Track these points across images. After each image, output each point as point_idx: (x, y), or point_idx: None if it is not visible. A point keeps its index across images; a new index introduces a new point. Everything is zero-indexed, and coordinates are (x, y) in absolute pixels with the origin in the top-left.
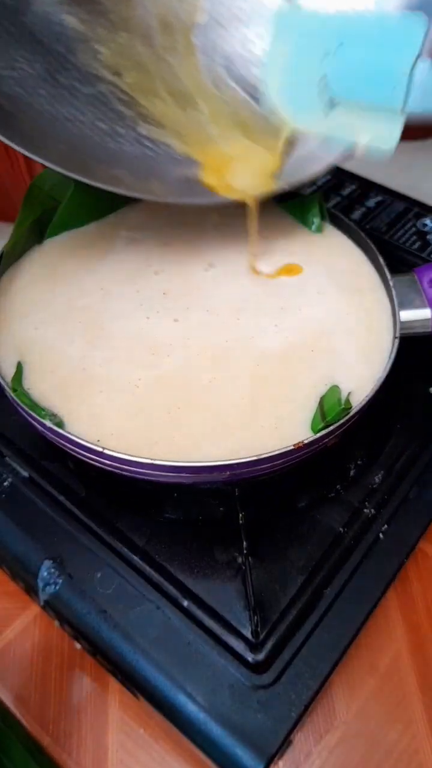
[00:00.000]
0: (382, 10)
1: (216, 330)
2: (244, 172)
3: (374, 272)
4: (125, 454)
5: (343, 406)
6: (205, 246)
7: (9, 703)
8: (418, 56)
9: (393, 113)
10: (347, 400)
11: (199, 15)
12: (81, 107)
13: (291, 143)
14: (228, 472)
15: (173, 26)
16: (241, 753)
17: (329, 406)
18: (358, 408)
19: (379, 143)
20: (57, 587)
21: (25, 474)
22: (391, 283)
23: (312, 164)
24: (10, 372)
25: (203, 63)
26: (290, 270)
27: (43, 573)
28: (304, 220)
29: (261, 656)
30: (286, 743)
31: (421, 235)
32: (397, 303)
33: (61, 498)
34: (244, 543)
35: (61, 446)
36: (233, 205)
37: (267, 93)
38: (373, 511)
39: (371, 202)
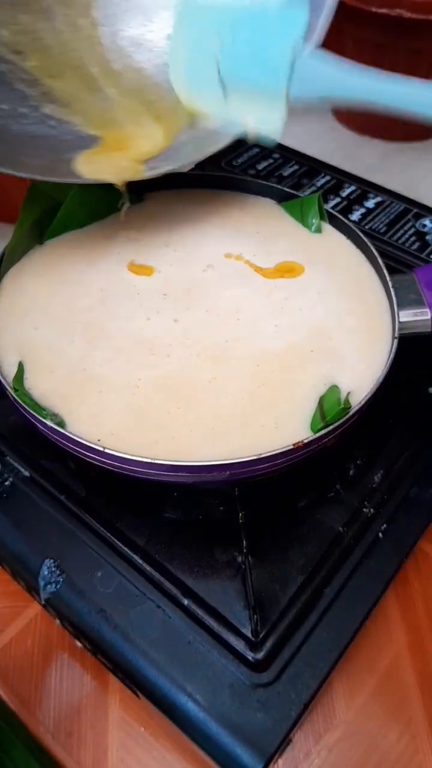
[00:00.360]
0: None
1: (216, 330)
2: (120, 157)
3: (373, 273)
4: (125, 453)
5: (342, 406)
6: (205, 246)
7: (10, 701)
8: (298, 41)
9: (276, 97)
10: (347, 400)
11: None
12: None
13: (191, 125)
14: (228, 472)
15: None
16: (241, 752)
17: (329, 405)
18: (357, 408)
19: (264, 126)
20: (57, 586)
21: (26, 473)
22: (390, 284)
23: (207, 145)
24: (11, 372)
25: (107, 40)
26: (291, 270)
27: (44, 572)
28: (303, 221)
29: (261, 655)
30: (285, 742)
31: (420, 235)
32: (397, 303)
33: (62, 497)
34: (244, 542)
35: (61, 446)
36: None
37: (171, 75)
38: (372, 510)
39: (370, 203)
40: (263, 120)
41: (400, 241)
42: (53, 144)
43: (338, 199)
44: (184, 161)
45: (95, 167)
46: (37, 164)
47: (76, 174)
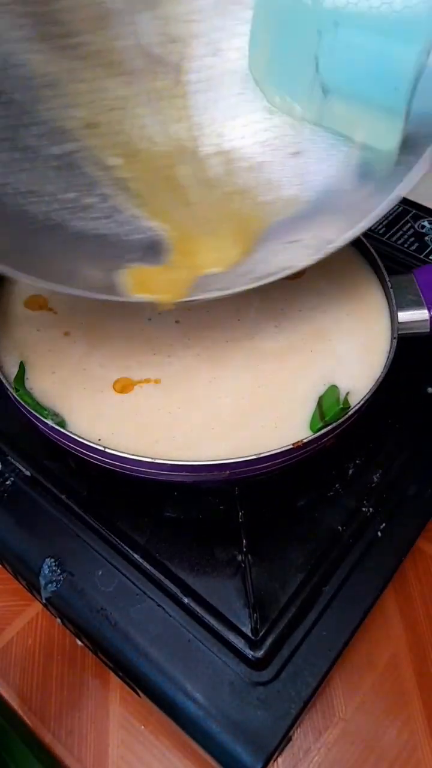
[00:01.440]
0: None
1: (217, 331)
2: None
3: (372, 273)
4: (126, 453)
5: (341, 406)
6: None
7: (11, 700)
8: (425, 48)
9: (394, 113)
10: (346, 400)
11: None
12: (43, 174)
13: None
14: (228, 471)
15: (161, 59)
16: (241, 749)
17: (328, 405)
18: (356, 408)
19: (377, 142)
20: (58, 585)
21: (27, 473)
22: (389, 284)
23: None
24: (12, 372)
25: (194, 119)
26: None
27: (45, 571)
28: None
29: (260, 653)
30: (285, 740)
31: (419, 236)
32: (396, 304)
33: (63, 497)
34: (244, 541)
35: (63, 445)
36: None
37: (252, 73)
38: (371, 509)
39: None
40: (376, 136)
41: (398, 242)
42: (113, 245)
43: None
44: (236, 289)
45: (146, 285)
46: (90, 277)
47: (118, 290)
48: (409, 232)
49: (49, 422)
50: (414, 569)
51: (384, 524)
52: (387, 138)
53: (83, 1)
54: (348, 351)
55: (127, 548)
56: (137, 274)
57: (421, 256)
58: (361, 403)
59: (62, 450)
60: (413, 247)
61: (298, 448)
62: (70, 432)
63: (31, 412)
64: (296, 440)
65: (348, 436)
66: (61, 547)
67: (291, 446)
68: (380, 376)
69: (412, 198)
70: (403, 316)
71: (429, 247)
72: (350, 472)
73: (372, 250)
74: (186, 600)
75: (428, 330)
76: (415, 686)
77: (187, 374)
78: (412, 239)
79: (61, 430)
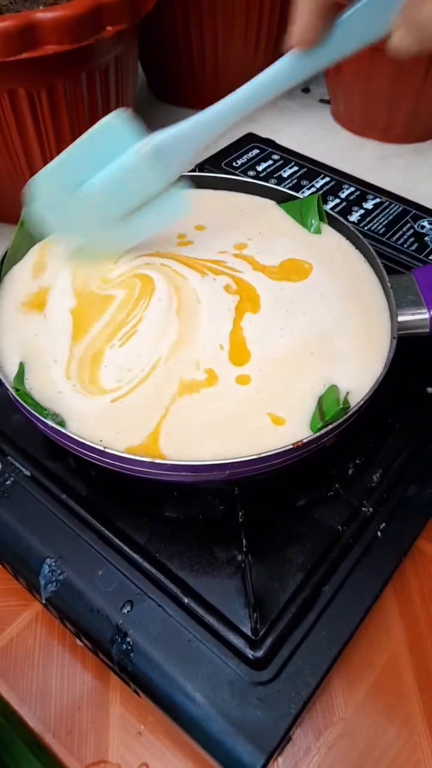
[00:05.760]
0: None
1: (218, 332)
2: None
3: (372, 273)
4: (126, 453)
5: (341, 406)
6: (204, 247)
7: (11, 700)
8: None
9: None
10: (346, 400)
11: None
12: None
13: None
14: (228, 471)
15: None
16: (241, 749)
17: (328, 405)
18: (356, 408)
19: (173, 214)
20: (58, 585)
21: (27, 473)
22: (389, 285)
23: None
24: (12, 372)
25: None
26: (297, 271)
27: (45, 571)
28: (303, 222)
29: (260, 653)
30: (285, 739)
31: (419, 236)
32: (396, 304)
33: (63, 497)
34: (244, 541)
35: (62, 445)
36: None
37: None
38: (371, 509)
39: (369, 204)
40: (169, 211)
41: (398, 242)
42: None
43: (337, 200)
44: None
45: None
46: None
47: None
48: (409, 233)
49: (49, 422)
50: (414, 569)
51: (384, 524)
52: (176, 207)
53: None
54: (348, 351)
55: (127, 548)
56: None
57: (421, 257)
58: (361, 403)
59: (62, 450)
60: (413, 248)
61: (299, 448)
62: (70, 432)
63: (31, 412)
64: (296, 440)
65: (348, 436)
66: (62, 547)
67: (291, 446)
68: (380, 376)
69: (411, 198)
70: (403, 316)
71: (429, 247)
72: (350, 472)
73: (372, 250)
74: (186, 600)
75: (428, 330)
76: (415, 686)
77: (188, 374)
78: (412, 239)
79: (61, 430)
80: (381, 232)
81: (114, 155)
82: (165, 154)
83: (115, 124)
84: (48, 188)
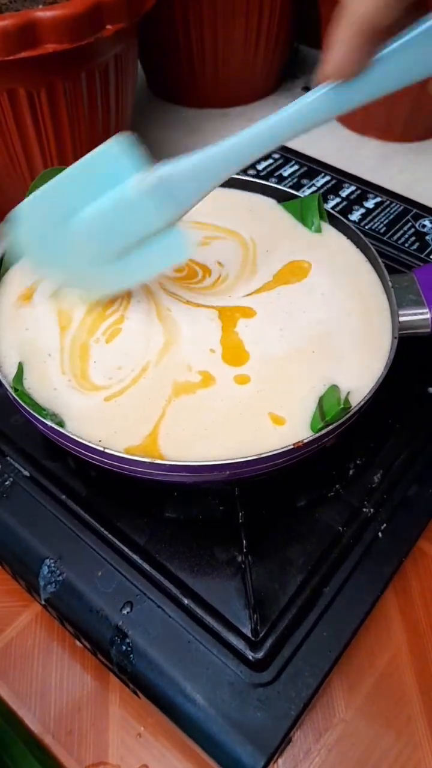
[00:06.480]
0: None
1: (219, 333)
2: None
3: (373, 273)
4: (126, 453)
5: (342, 406)
6: (209, 249)
7: (10, 701)
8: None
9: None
10: (346, 400)
11: None
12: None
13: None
14: (228, 472)
15: None
16: (242, 751)
17: (328, 405)
18: (356, 408)
19: (176, 255)
20: (58, 586)
21: (27, 473)
22: (390, 284)
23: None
24: (11, 372)
25: None
26: (297, 271)
27: (44, 571)
28: (303, 221)
29: (261, 654)
30: (286, 741)
31: (420, 236)
32: (397, 303)
33: (63, 497)
34: (244, 542)
35: (62, 446)
36: None
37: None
38: (372, 510)
39: (370, 203)
40: (167, 254)
41: (399, 242)
42: None
43: (338, 200)
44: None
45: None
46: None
47: None
48: (410, 232)
49: (48, 422)
50: (415, 570)
51: (385, 525)
52: (178, 248)
53: None
54: (349, 351)
55: (126, 549)
56: None
57: (422, 256)
58: (362, 403)
59: (62, 450)
60: (414, 247)
61: (299, 448)
62: (69, 432)
63: (30, 412)
64: (297, 440)
65: (349, 437)
66: (61, 547)
67: (292, 446)
68: (381, 376)
69: (412, 197)
70: (404, 316)
71: (430, 246)
72: (351, 472)
73: (373, 249)
74: (186, 601)
75: (429, 330)
76: (416, 687)
77: (188, 375)
78: (413, 239)
79: (60, 430)
80: (382, 231)
81: (111, 185)
82: (169, 189)
83: (116, 150)
84: (33, 218)
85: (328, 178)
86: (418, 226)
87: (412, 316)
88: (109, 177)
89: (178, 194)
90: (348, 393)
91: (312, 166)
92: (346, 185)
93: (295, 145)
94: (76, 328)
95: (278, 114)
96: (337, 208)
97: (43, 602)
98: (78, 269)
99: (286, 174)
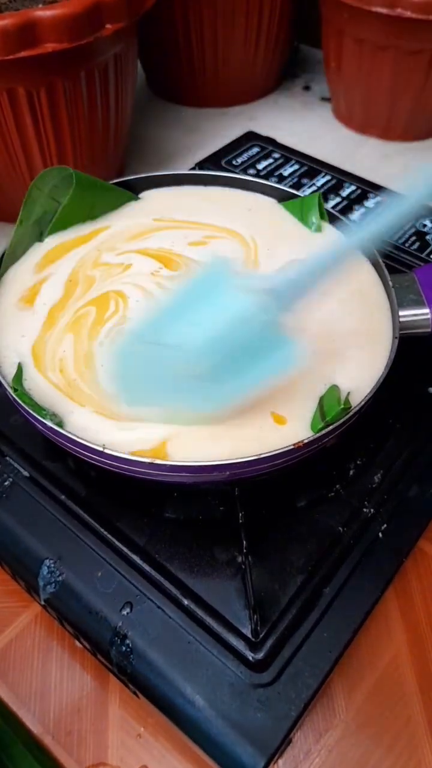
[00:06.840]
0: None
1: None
2: None
3: (374, 272)
4: (125, 453)
5: (342, 406)
6: (209, 248)
7: (10, 701)
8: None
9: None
10: (347, 400)
11: None
12: None
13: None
14: (228, 472)
15: None
16: (242, 751)
17: (329, 406)
18: (357, 408)
19: (288, 366)
20: (57, 586)
21: (26, 473)
22: (390, 284)
23: None
24: (11, 372)
25: None
26: None
27: (44, 572)
28: (304, 220)
29: (261, 655)
30: (286, 742)
31: (421, 235)
32: (397, 303)
33: (62, 497)
34: (244, 542)
35: (61, 446)
36: None
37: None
38: (372, 510)
39: (371, 203)
40: (277, 364)
41: (400, 241)
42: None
43: (338, 199)
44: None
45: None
46: None
47: None
48: (410, 231)
49: (48, 422)
50: (415, 570)
51: (385, 525)
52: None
53: None
54: (349, 351)
55: (126, 549)
56: None
57: (423, 255)
58: (363, 403)
59: (61, 450)
60: (414, 246)
61: (299, 448)
62: (69, 432)
63: (30, 413)
64: (297, 441)
65: (349, 437)
66: (60, 548)
67: (292, 447)
68: (381, 376)
69: None
70: (405, 315)
71: (430, 246)
72: (351, 472)
73: (373, 249)
74: (186, 601)
75: (429, 330)
76: (416, 688)
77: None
78: (414, 238)
79: (60, 430)
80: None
81: (209, 307)
82: (280, 299)
83: (215, 272)
84: (133, 357)
85: (328, 177)
86: (419, 225)
87: (413, 315)
88: (209, 300)
89: (287, 303)
90: (348, 393)
91: (312, 166)
92: (347, 185)
93: (295, 144)
94: (60, 329)
95: (390, 209)
96: (338, 208)
97: (42, 603)
98: (179, 396)
99: (286, 173)
